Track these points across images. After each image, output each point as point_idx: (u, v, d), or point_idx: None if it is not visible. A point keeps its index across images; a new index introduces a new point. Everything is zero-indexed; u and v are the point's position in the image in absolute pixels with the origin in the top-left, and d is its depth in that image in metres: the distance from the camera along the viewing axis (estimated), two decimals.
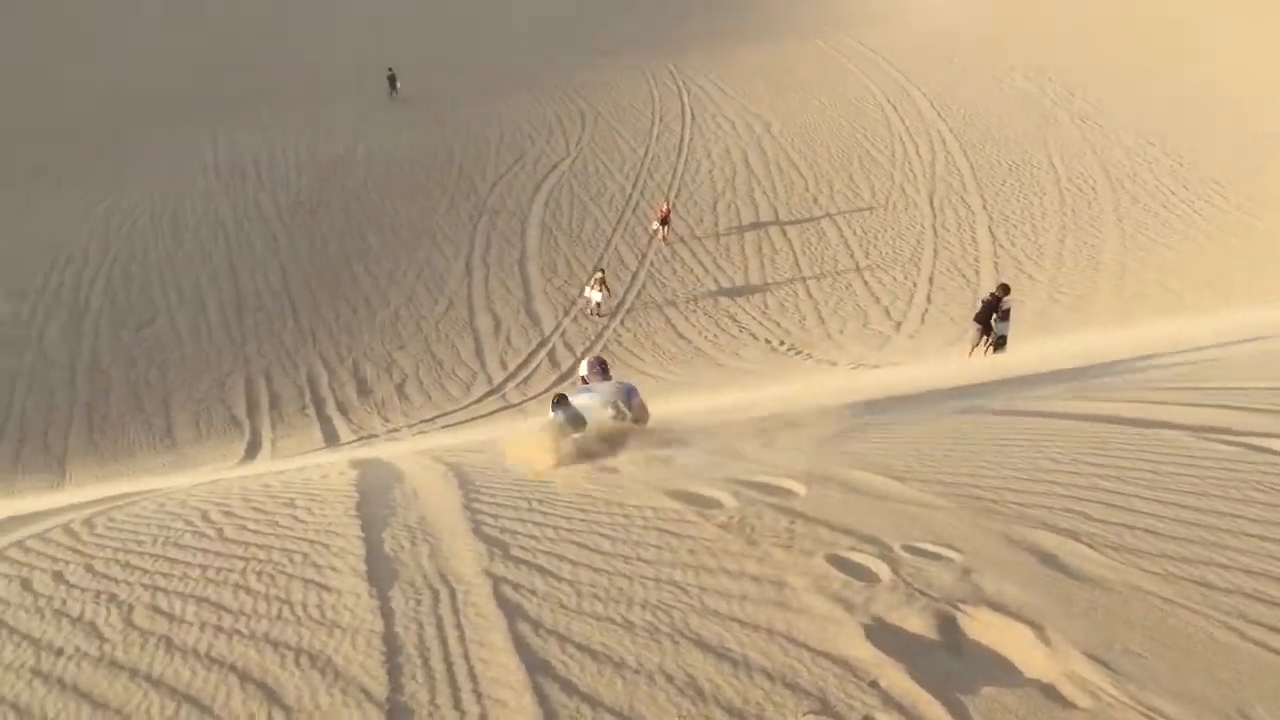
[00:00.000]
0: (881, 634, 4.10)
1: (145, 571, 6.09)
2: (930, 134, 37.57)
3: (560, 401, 8.62)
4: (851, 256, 30.13)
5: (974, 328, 20.26)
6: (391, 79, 44.91)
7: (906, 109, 39.99)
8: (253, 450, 22.67)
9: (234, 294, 29.62)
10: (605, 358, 13.28)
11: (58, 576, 6.24)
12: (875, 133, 38.09)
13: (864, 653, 3.97)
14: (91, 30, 57.42)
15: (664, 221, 31.22)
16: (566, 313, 28.20)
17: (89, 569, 6.32)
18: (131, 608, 5.38)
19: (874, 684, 3.73)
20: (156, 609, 5.31)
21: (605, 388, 9.23)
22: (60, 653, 4.88)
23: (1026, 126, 37.63)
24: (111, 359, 26.68)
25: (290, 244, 32.24)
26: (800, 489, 6.15)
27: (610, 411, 8.86)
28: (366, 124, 41.47)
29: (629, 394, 9.17)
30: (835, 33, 51.38)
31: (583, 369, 9.72)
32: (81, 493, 16.25)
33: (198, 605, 5.29)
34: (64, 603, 5.64)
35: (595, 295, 27.93)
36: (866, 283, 28.81)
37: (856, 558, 4.93)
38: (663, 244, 31.03)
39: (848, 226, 31.71)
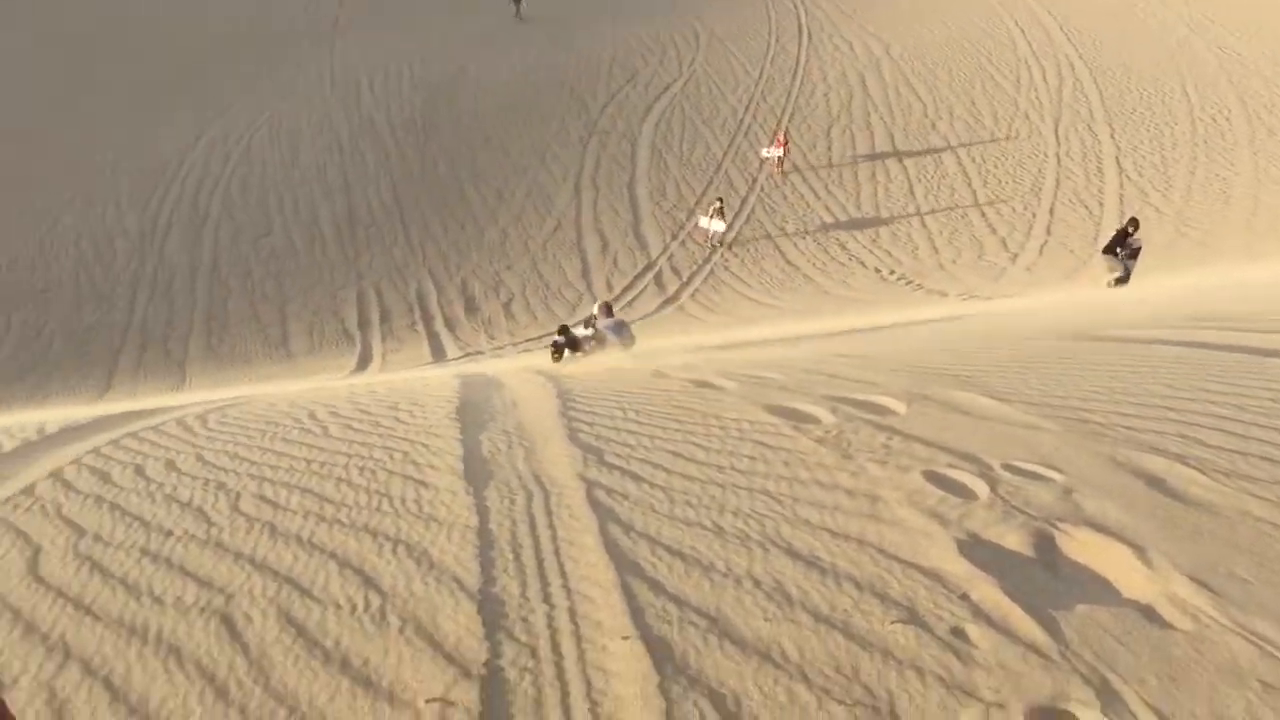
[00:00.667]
0: (975, 549, 4.02)
1: (253, 463, 6.27)
2: (1058, 58, 36.13)
3: (564, 330, 14.57)
4: (969, 185, 29.29)
5: (1104, 259, 19.61)
6: None
7: (1034, 32, 38.48)
8: (363, 362, 23.17)
9: (347, 209, 30.09)
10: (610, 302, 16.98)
11: (169, 464, 6.46)
12: (1000, 57, 36.76)
13: (956, 566, 3.90)
14: None
15: (784, 150, 30.42)
16: (674, 236, 28.05)
17: (199, 458, 6.53)
18: (239, 495, 5.55)
19: (965, 596, 3.67)
20: (262, 497, 5.47)
21: (612, 323, 14.40)
22: (169, 534, 5.06)
23: (1159, 54, 35.96)
24: (229, 268, 27.42)
25: (402, 161, 32.57)
26: (899, 407, 6.05)
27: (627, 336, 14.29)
28: (479, 43, 41.45)
29: (624, 327, 14.53)
30: None
31: (594, 309, 14.95)
32: (199, 395, 16.83)
33: (301, 495, 5.43)
34: (174, 489, 5.84)
35: (716, 224, 27.39)
36: (983, 213, 28.03)
37: (953, 474, 4.84)
38: (777, 174, 30.46)
39: (966, 154, 30.80)
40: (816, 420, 5.93)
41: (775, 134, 31.20)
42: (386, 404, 8.05)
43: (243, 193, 30.88)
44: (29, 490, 6.06)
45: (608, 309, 14.96)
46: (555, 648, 3.67)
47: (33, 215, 29.94)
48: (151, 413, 9.31)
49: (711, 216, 27.46)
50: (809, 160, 30.99)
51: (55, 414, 12.92)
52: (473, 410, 7.40)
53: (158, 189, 31.13)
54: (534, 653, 3.65)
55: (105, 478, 6.27)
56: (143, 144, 33.99)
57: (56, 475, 6.36)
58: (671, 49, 39.36)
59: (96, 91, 38.90)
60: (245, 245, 28.33)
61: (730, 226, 28.17)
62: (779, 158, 30.29)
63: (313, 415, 7.71)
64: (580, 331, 14.44)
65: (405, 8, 46.96)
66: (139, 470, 6.36)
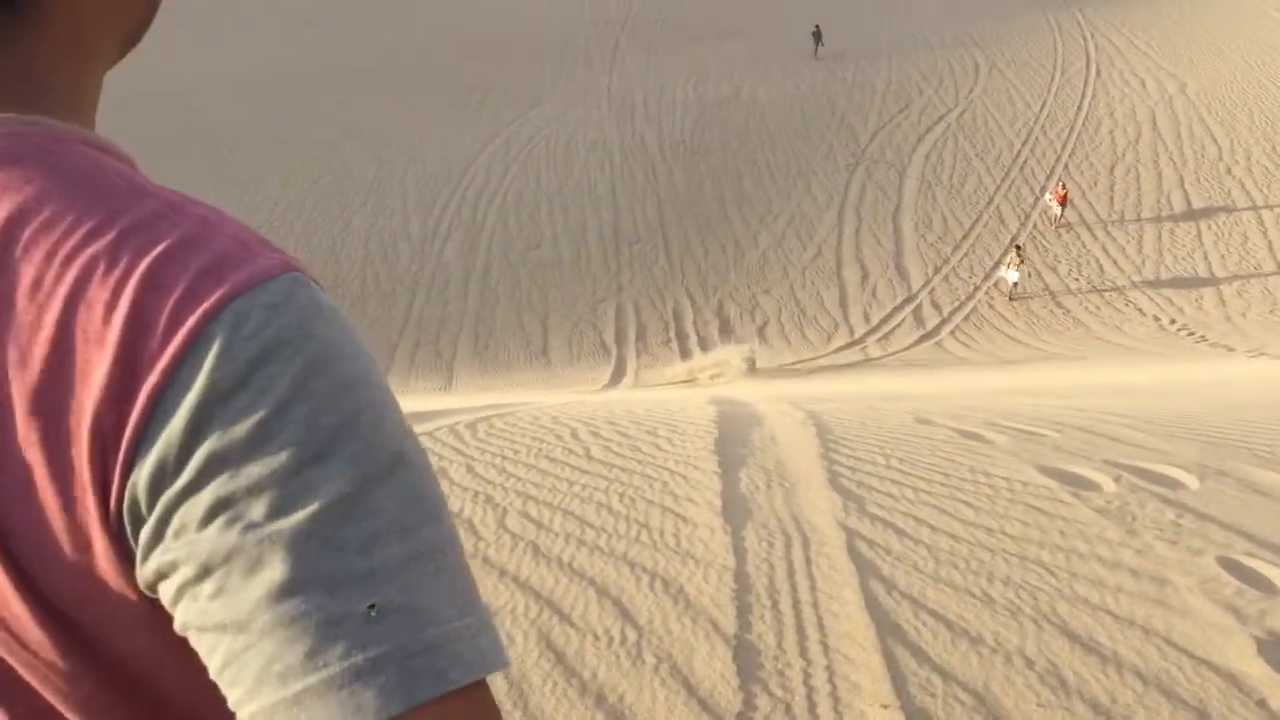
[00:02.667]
0: (1276, 650, 3.68)
1: (519, 479, 6.48)
2: None
3: None
4: (1265, 235, 27.18)
5: None
6: (817, 35, 42.02)
7: None
8: (617, 376, 23.69)
9: (613, 225, 30.88)
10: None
11: (442, 473, 6.76)
12: None
13: (1253, 668, 3.59)
14: None
15: (1061, 204, 28.42)
16: (937, 270, 27.32)
17: (470, 469, 6.81)
18: (505, 511, 5.74)
19: (1262, 703, 3.36)
20: (527, 515, 5.63)
21: None
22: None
23: None
24: (500, 277, 28.64)
25: (669, 180, 33.15)
26: (1191, 481, 5.63)
27: None
28: (753, 67, 41.74)
29: None
30: None
31: None
32: (465, 399, 17.62)
33: (564, 517, 5.56)
34: (446, 499, 6.10)
35: (1012, 275, 25.53)
36: None
37: (1252, 564, 4.46)
38: (1061, 228, 28.40)
39: (1264, 201, 28.59)
40: (1097, 487, 5.59)
41: (1055, 185, 29.41)
42: (645, 428, 8.16)
43: (517, 204, 32.21)
44: None
45: None
46: (811, 708, 3.58)
47: (327, 216, 32.25)
48: (427, 415, 9.80)
49: (1009, 265, 25.79)
50: (1088, 199, 29.59)
51: None
52: (731, 442, 7.40)
53: (440, 197, 32.90)
54: (789, 709, 3.58)
55: None
56: (431, 154, 36.02)
57: None
58: (949, 78, 38.46)
59: (396, 103, 41.52)
60: (516, 255, 29.53)
61: (996, 261, 27.16)
62: (1058, 213, 28.44)
63: (575, 434, 7.90)
64: None
65: (684, 33, 47.88)
66: None
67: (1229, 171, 30.20)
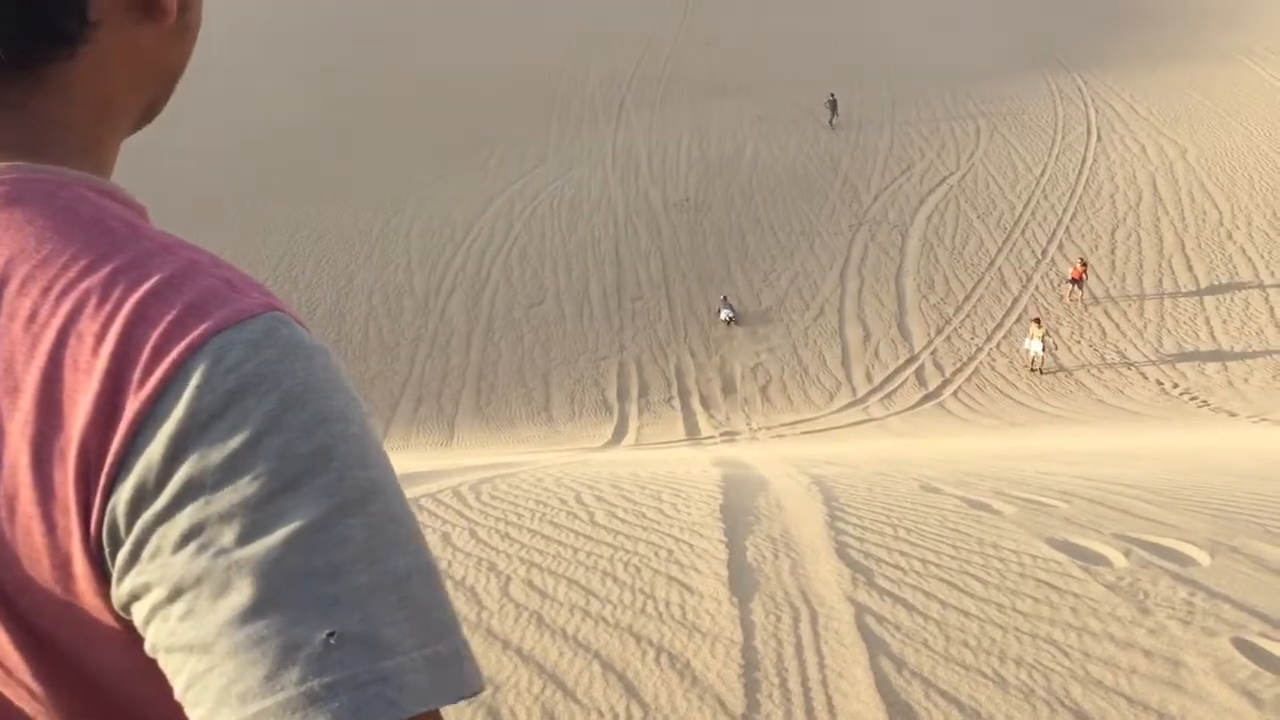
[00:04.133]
0: None
1: (522, 545, 6.42)
2: None
3: None
4: (1266, 300, 27.24)
5: None
6: (832, 104, 41.24)
7: None
8: (619, 434, 23.63)
9: (616, 282, 30.98)
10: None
11: (445, 538, 6.70)
12: None
13: None
14: (535, 18, 61.93)
15: (1076, 281, 27.84)
16: (939, 331, 27.36)
17: (473, 534, 6.75)
18: (509, 579, 5.68)
19: None
20: (531, 584, 5.57)
21: None
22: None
23: None
24: (502, 333, 28.69)
25: (673, 238, 33.31)
26: (1203, 557, 5.58)
27: None
28: (758, 127, 42.09)
29: None
30: (1273, 57, 46.71)
31: None
32: (467, 456, 17.57)
33: (568, 586, 5.50)
34: (449, 565, 6.04)
35: (1035, 345, 25.09)
36: None
37: (1267, 646, 4.40)
38: (1074, 303, 27.88)
39: (1265, 267, 28.69)
40: (1108, 562, 5.53)
41: (1074, 264, 28.67)
42: (650, 492, 8.11)
43: (521, 260, 32.35)
44: None
45: None
46: None
47: (332, 270, 32.38)
48: (429, 475, 9.75)
49: (1031, 335, 25.24)
50: (1088, 261, 29.69)
51: None
52: (736, 508, 7.35)
53: (445, 252, 33.06)
54: None
55: None
56: (437, 210, 36.23)
57: None
58: (950, 141, 38.80)
59: (402, 158, 41.83)
60: (519, 311, 29.60)
61: (999, 323, 27.21)
62: (1073, 289, 27.95)
63: (579, 498, 7.85)
64: None
65: (688, 91, 48.34)
66: None
67: (1230, 237, 30.35)
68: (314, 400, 0.71)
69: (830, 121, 40.82)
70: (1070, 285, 28.01)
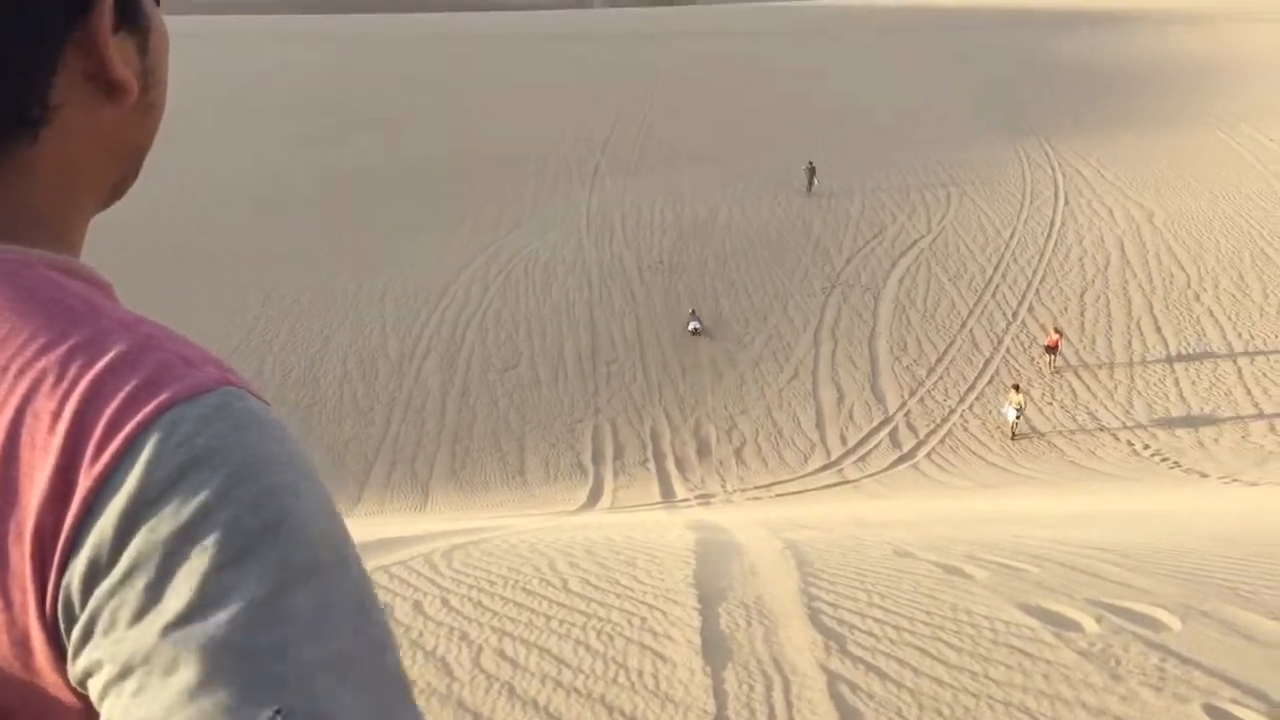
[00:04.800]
0: None
1: (495, 613, 6.39)
2: None
3: None
4: (1234, 361, 27.58)
5: None
6: (811, 171, 41.42)
7: None
8: (594, 497, 23.54)
9: (591, 344, 31.03)
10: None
11: (417, 606, 6.66)
12: (1271, 229, 34.89)
13: None
14: (508, 87, 62.57)
15: (1052, 349, 27.74)
16: (913, 393, 27.51)
17: (445, 602, 6.71)
18: (480, 649, 5.64)
19: None
20: (503, 654, 5.54)
21: None
22: (415, 685, 5.17)
23: None
24: (477, 396, 28.62)
25: (647, 300, 33.46)
26: (1173, 622, 5.61)
27: None
28: (730, 191, 42.50)
29: None
30: (1235, 123, 47.71)
31: None
32: (440, 520, 17.45)
33: (540, 656, 5.47)
34: (420, 634, 6.00)
35: (1010, 412, 24.87)
36: (1249, 391, 26.28)
37: (1238, 711, 4.43)
38: (1047, 369, 27.77)
39: (1232, 329, 29.08)
40: (1080, 628, 5.56)
41: (1049, 331, 28.68)
42: (624, 558, 8.09)
43: (496, 324, 32.38)
44: None
45: None
46: None
47: (307, 334, 32.29)
48: (401, 542, 9.69)
49: (1010, 403, 25.08)
50: (1058, 323, 30.02)
51: None
52: (710, 573, 7.34)
53: (420, 316, 33.05)
54: None
55: None
56: (411, 274, 36.28)
57: None
58: (921, 206, 39.30)
59: (378, 223, 41.95)
60: (494, 374, 29.57)
61: (971, 384, 27.41)
62: (1051, 358, 27.82)
63: (552, 565, 7.82)
64: None
65: (662, 156, 48.84)
66: (389, 611, 6.58)
67: (1197, 299, 30.76)
68: (265, 474, 0.72)
69: (809, 188, 41.02)
70: (1048, 355, 27.92)
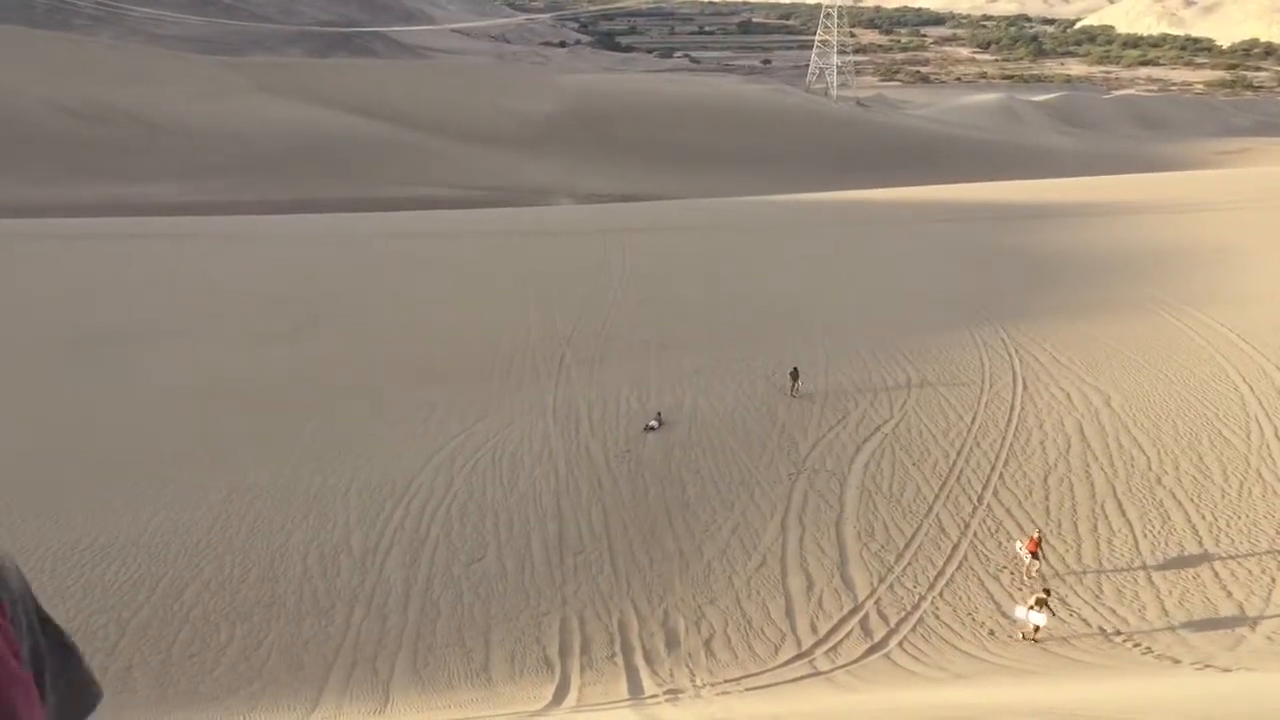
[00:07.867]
0: None
1: None
2: None
3: None
4: (1200, 543, 27.68)
5: None
6: (794, 375, 40.85)
7: (1265, 390, 37.27)
8: (560, 695, 22.95)
9: (558, 535, 30.77)
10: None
11: None
12: (1228, 412, 35.58)
13: None
14: (473, 279, 63.70)
15: (1033, 554, 26.66)
16: (882, 580, 27.32)
17: None
18: None
19: None
20: None
21: None
22: None
23: None
24: (441, 590, 28.12)
25: (614, 490, 33.37)
26: None
27: None
28: (695, 380, 43.03)
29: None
30: (1185, 309, 49.24)
31: None
32: None
33: None
34: None
35: (1039, 618, 23.85)
36: (1217, 573, 26.31)
37: None
38: (1026, 578, 26.56)
39: (1196, 511, 29.30)
40: None
41: (1029, 536, 27.62)
42: None
43: (461, 516, 32.11)
44: None
45: None
46: None
47: (267, 531, 31.83)
48: None
49: (1031, 606, 24.10)
50: (1024, 507, 30.15)
51: None
52: None
53: (384, 509, 32.75)
54: None
55: None
56: (377, 466, 36.14)
57: None
58: (882, 390, 39.90)
59: (341, 417, 42.02)
60: (459, 568, 29.15)
61: (940, 570, 27.25)
62: (1032, 560, 26.78)
63: None
64: None
65: (627, 346, 49.60)
66: None
67: (1159, 481, 31.07)
68: None
69: (792, 390, 40.61)
70: (1033, 560, 26.83)
